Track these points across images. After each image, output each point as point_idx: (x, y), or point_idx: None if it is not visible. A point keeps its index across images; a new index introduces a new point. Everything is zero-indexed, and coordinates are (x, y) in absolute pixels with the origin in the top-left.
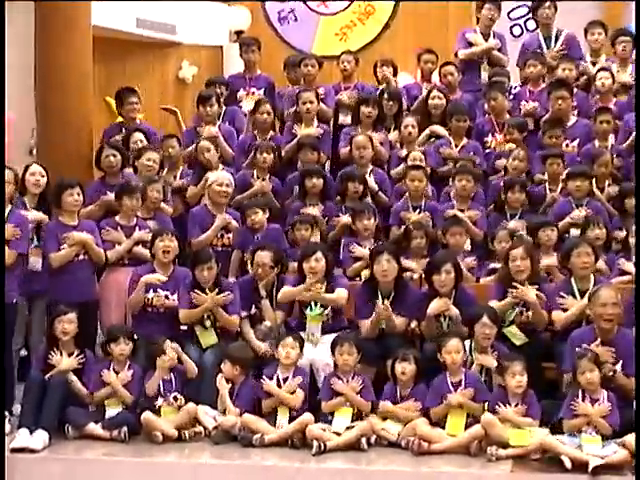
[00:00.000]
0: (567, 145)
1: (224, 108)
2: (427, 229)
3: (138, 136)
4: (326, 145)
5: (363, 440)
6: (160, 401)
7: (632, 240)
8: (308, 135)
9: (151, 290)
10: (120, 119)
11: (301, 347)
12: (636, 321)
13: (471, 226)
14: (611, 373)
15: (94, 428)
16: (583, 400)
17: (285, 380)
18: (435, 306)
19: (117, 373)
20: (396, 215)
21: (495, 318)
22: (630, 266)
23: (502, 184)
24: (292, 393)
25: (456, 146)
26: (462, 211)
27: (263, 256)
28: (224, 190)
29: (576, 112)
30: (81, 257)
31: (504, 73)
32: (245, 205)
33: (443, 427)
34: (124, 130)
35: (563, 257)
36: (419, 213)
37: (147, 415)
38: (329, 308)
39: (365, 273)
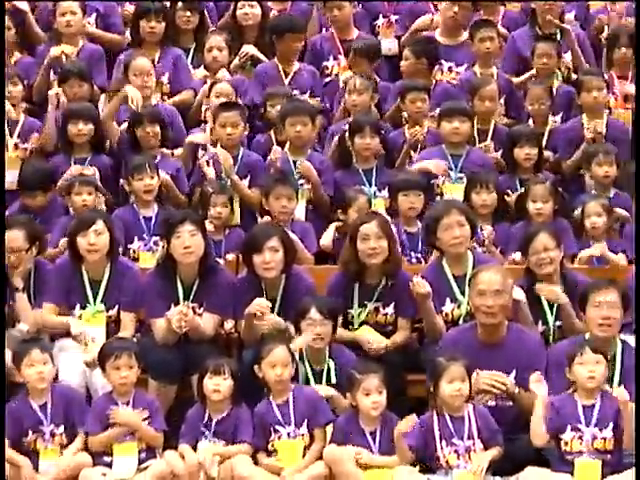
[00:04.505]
0: (441, 72)
1: None
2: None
3: None
4: None
5: None
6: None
7: (531, 206)
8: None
9: None
10: None
11: (52, 357)
12: (636, 322)
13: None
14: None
15: None
16: (440, 421)
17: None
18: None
19: None
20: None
21: (329, 311)
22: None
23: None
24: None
25: (286, 74)
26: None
27: (14, 239)
28: None
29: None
30: None
31: None
32: None
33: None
34: None
35: (427, 231)
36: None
37: None
38: None
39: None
